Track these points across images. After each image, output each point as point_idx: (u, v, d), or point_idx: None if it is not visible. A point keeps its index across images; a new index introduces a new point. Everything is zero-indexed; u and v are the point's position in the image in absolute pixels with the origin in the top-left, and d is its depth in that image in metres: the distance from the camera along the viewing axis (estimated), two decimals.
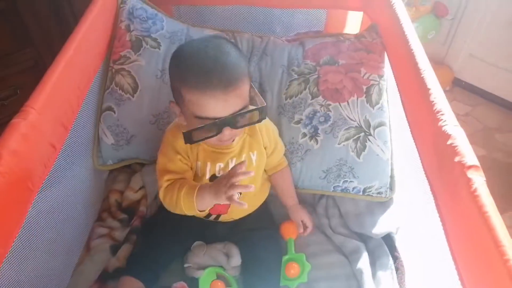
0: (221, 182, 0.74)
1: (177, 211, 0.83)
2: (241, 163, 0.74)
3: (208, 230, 0.97)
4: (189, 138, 0.74)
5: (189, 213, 0.82)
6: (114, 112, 1.07)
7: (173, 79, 0.76)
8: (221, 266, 0.93)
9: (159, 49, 1.09)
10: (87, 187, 1.07)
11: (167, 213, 0.87)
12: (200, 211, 0.81)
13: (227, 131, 0.74)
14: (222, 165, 0.88)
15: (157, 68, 1.08)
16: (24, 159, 0.70)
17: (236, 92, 0.72)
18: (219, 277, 0.92)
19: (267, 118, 0.90)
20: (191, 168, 0.88)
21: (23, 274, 0.73)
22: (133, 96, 1.06)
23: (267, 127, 0.93)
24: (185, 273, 0.92)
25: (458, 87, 1.96)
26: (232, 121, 0.74)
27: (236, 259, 0.93)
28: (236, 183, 0.71)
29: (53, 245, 0.88)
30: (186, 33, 1.15)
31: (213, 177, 0.89)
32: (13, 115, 1.41)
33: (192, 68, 0.71)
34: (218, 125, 0.73)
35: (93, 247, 0.99)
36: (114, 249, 0.98)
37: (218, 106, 0.71)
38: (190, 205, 0.79)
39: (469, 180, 0.61)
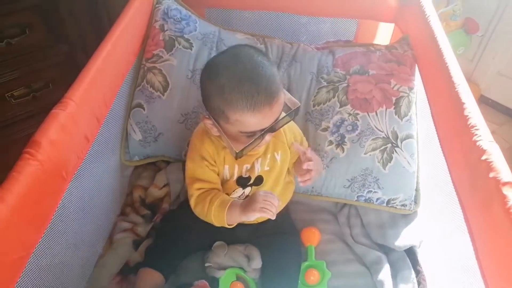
0: (255, 200, 0.77)
1: (207, 221, 0.85)
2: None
3: (228, 231, 0.97)
4: (241, 155, 0.78)
5: (218, 225, 0.84)
6: (144, 109, 1.09)
7: (215, 100, 0.75)
8: (242, 268, 0.94)
9: (191, 50, 1.11)
10: (112, 181, 1.09)
11: (188, 209, 0.88)
12: (229, 225, 0.83)
13: (268, 137, 0.79)
14: (248, 166, 0.89)
15: (188, 69, 1.10)
16: (60, 149, 0.72)
17: (278, 102, 0.75)
18: (238, 278, 0.92)
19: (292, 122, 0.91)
20: (218, 173, 0.89)
21: (47, 262, 0.74)
22: (163, 95, 1.08)
23: (288, 124, 0.91)
24: (206, 273, 0.93)
25: (484, 105, 1.94)
26: (272, 127, 0.77)
27: (257, 262, 0.93)
28: (267, 207, 0.76)
29: (78, 235, 0.89)
30: (218, 35, 1.16)
31: (239, 179, 0.90)
32: (44, 107, 1.45)
33: (239, 92, 0.71)
34: (263, 134, 0.76)
35: (116, 241, 1.00)
36: (137, 244, 0.99)
37: (265, 120, 0.74)
38: (221, 219, 0.82)
39: (504, 196, 0.60)
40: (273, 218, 0.77)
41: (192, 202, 0.86)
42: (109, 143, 1.03)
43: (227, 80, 0.72)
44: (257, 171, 0.90)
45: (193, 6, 1.21)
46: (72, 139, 0.77)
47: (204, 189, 0.86)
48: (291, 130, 0.94)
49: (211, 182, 0.87)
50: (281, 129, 0.89)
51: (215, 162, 0.87)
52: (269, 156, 0.90)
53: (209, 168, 0.87)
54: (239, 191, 0.92)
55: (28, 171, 0.63)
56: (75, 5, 1.34)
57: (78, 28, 1.40)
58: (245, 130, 0.75)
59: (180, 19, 1.14)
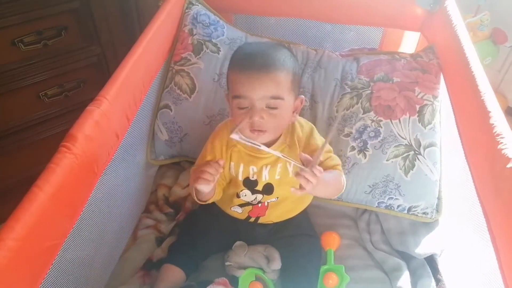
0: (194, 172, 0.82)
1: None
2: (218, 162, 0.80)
3: (247, 231, 0.99)
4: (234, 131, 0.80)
5: (197, 200, 0.89)
6: (171, 110, 1.12)
7: (229, 63, 0.86)
8: (261, 268, 0.95)
9: (218, 54, 1.14)
10: (138, 179, 1.13)
11: (209, 208, 0.90)
12: (199, 200, 0.88)
13: (256, 117, 0.78)
14: (255, 168, 0.91)
15: (215, 72, 1.13)
16: (94, 144, 0.75)
17: (272, 76, 0.77)
18: (258, 279, 0.94)
19: (315, 134, 0.92)
20: (223, 168, 0.91)
21: (74, 256, 0.77)
22: (190, 97, 1.12)
23: (307, 140, 0.91)
24: (226, 271, 0.95)
25: (511, 117, 1.90)
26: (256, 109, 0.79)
27: (277, 263, 0.94)
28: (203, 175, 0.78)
29: (103, 230, 0.93)
30: (244, 41, 1.19)
31: (246, 180, 0.92)
32: (74, 106, 1.51)
33: (239, 54, 0.84)
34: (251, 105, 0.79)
35: (140, 237, 1.03)
36: (159, 241, 1.02)
37: (250, 84, 0.77)
38: (191, 191, 0.88)
39: None
40: (207, 187, 0.81)
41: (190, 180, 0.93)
42: (136, 142, 1.07)
43: (238, 50, 0.87)
44: (264, 178, 0.91)
45: (222, 11, 1.25)
46: (104, 136, 0.80)
47: None
48: (308, 143, 0.91)
49: None
50: (296, 141, 0.90)
51: (222, 157, 0.91)
52: (280, 165, 0.91)
53: None
54: (249, 195, 0.93)
55: (64, 164, 0.67)
56: (109, 10, 1.40)
57: (110, 32, 1.45)
58: (235, 93, 0.80)
59: (208, 24, 1.18)
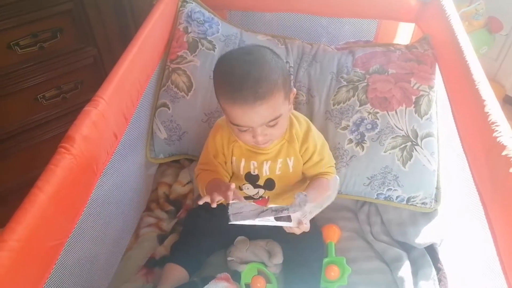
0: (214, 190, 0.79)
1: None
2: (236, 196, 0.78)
3: (249, 226, 1.00)
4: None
5: None
6: (169, 109, 1.13)
7: (215, 87, 0.81)
8: (263, 263, 0.96)
9: (214, 51, 1.15)
10: (138, 178, 1.13)
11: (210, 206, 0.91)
12: None
13: (260, 137, 0.79)
14: (255, 163, 0.92)
15: (211, 69, 1.12)
16: (92, 145, 0.76)
17: (267, 104, 0.74)
18: (260, 273, 0.94)
19: (313, 132, 0.92)
20: (225, 163, 0.94)
21: (78, 256, 0.78)
22: (187, 95, 1.12)
23: (305, 138, 0.91)
24: (228, 266, 0.96)
25: (509, 105, 1.90)
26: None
27: (278, 257, 0.95)
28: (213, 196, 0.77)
29: (105, 230, 0.93)
30: (239, 37, 1.19)
31: (248, 175, 0.93)
32: (73, 108, 1.50)
33: (226, 81, 0.76)
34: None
35: (142, 235, 1.04)
36: (161, 239, 1.03)
37: (246, 117, 0.76)
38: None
39: None
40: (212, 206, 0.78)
41: (195, 178, 0.98)
42: (135, 141, 1.08)
43: (221, 70, 0.78)
44: (265, 173, 0.92)
45: (216, 8, 1.25)
46: (102, 136, 0.81)
47: (203, 170, 0.94)
48: (305, 145, 0.92)
49: (212, 166, 0.93)
50: (294, 136, 0.91)
51: (224, 153, 0.92)
52: (280, 161, 0.91)
53: (215, 158, 0.93)
54: (251, 189, 0.95)
55: (64, 164, 0.67)
56: (103, 10, 1.40)
57: (106, 32, 1.45)
58: (233, 121, 0.78)
59: (203, 22, 1.18)
